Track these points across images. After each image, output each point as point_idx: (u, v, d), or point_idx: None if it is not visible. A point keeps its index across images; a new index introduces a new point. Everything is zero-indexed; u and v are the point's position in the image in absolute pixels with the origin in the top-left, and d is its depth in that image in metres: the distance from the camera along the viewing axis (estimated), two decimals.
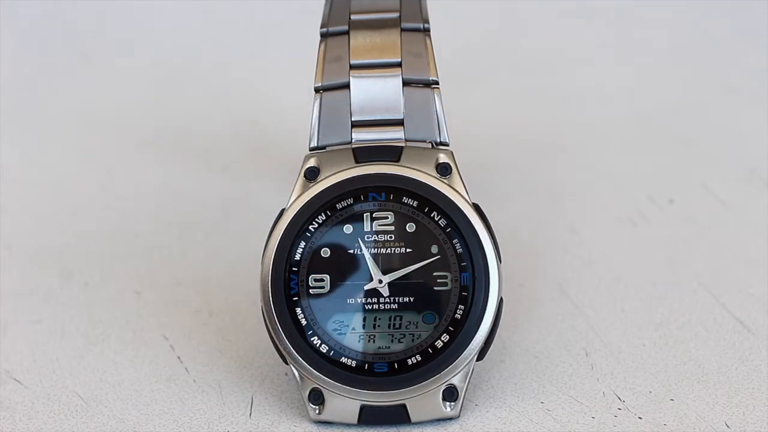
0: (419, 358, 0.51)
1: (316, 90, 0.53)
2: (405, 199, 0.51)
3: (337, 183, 0.51)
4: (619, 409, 0.52)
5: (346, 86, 0.52)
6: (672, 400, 0.53)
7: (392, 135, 0.52)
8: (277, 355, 0.51)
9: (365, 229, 0.51)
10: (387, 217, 0.51)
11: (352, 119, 0.52)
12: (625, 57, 0.83)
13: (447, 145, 0.52)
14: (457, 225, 0.51)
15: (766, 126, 0.74)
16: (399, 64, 0.53)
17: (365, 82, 0.52)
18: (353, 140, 0.52)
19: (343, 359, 0.51)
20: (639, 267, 0.62)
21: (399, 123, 0.52)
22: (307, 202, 0.51)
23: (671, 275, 0.61)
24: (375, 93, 0.52)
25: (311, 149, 0.52)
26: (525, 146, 0.73)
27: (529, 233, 0.65)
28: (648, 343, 0.56)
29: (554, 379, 0.54)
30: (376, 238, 0.51)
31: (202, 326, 0.58)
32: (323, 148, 0.52)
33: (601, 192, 0.68)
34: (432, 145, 0.52)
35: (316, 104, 0.52)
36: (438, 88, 0.53)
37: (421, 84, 0.53)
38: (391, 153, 0.52)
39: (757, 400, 0.53)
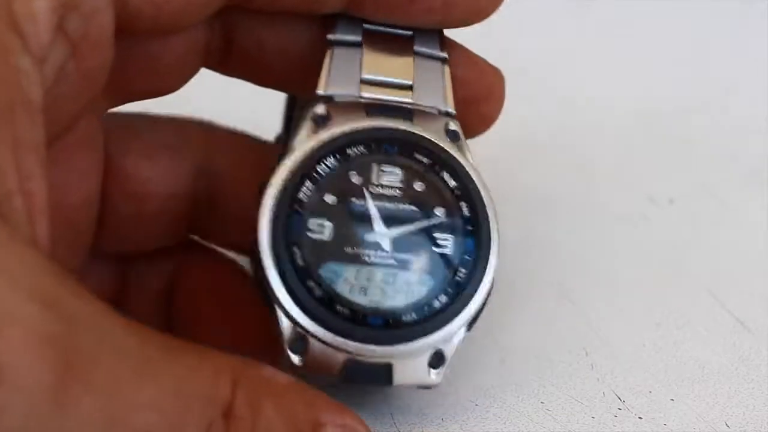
0: (414, 316, 0.49)
1: (329, 42, 0.51)
2: (417, 156, 0.50)
3: (350, 130, 0.50)
4: (619, 409, 0.52)
5: (359, 45, 0.52)
6: (672, 400, 0.53)
7: (401, 98, 0.51)
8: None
9: (373, 181, 0.50)
10: (396, 172, 0.50)
11: (362, 76, 0.51)
12: (626, 57, 0.83)
13: (453, 115, 0.52)
14: (467, 189, 0.50)
15: (766, 126, 0.74)
16: (411, 38, 0.52)
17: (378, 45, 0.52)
18: (362, 97, 0.51)
19: (337, 307, 0.48)
20: (639, 267, 0.62)
21: (408, 88, 0.51)
22: (318, 142, 0.49)
23: (671, 275, 0.61)
24: (387, 56, 0.51)
25: (318, 96, 0.51)
26: (525, 146, 0.73)
27: (529, 233, 0.64)
28: (648, 343, 0.56)
29: (554, 379, 0.54)
30: (383, 192, 0.50)
31: None
32: (331, 98, 0.51)
33: (601, 192, 0.68)
34: (438, 112, 0.52)
35: (328, 55, 0.51)
36: (447, 64, 0.52)
37: (432, 57, 0.52)
38: (402, 113, 0.51)
39: (757, 400, 0.53)
